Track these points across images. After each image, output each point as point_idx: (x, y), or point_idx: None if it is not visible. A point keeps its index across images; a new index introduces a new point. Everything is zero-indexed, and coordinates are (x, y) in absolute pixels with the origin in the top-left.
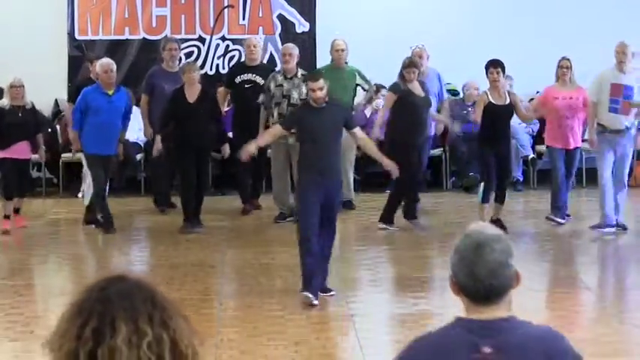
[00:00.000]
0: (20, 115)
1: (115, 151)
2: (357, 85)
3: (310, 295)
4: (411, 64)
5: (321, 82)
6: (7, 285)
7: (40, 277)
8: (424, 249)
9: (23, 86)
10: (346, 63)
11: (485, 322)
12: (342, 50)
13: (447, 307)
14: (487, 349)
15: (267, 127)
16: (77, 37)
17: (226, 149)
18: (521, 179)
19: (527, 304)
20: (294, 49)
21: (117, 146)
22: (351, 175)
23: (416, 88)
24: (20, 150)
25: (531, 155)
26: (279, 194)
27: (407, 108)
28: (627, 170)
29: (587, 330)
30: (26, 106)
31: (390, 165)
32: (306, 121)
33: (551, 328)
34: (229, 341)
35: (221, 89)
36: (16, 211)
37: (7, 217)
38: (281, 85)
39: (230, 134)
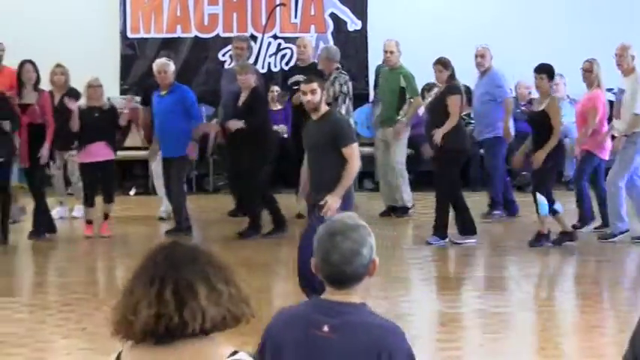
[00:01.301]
0: (97, 115)
1: (178, 153)
2: (402, 88)
3: None
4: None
5: (314, 85)
6: (60, 282)
7: (91, 275)
8: (475, 248)
9: (101, 86)
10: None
11: (333, 304)
12: (391, 52)
13: (501, 306)
14: (325, 328)
15: None
16: (129, 35)
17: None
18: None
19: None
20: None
21: (188, 147)
22: (405, 178)
23: None
24: (97, 152)
25: None
26: None
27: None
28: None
29: None
30: (104, 106)
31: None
32: (304, 131)
33: (395, 324)
34: None
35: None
36: (105, 216)
37: (89, 222)
38: None
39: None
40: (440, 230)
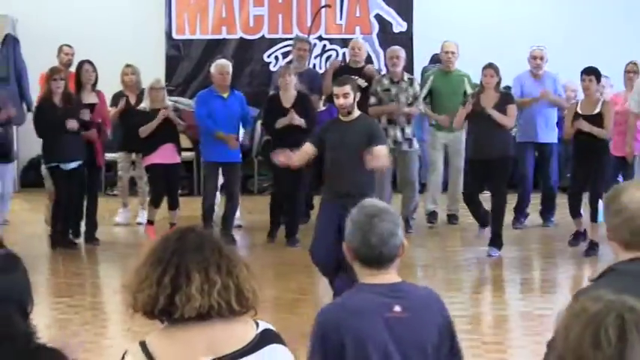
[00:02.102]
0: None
1: (239, 157)
2: (465, 92)
3: None
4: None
5: (347, 87)
6: (105, 283)
7: None
8: (523, 250)
9: (164, 88)
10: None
11: (389, 285)
12: (452, 53)
13: (546, 308)
14: (398, 308)
15: None
16: (174, 36)
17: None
18: None
19: None
20: (400, 52)
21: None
22: (459, 185)
23: None
24: (167, 154)
25: None
26: None
27: None
28: None
29: None
30: (167, 108)
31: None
32: (329, 135)
33: (429, 288)
34: None
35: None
36: (172, 225)
37: (150, 222)
38: (388, 90)
39: None
40: (499, 240)
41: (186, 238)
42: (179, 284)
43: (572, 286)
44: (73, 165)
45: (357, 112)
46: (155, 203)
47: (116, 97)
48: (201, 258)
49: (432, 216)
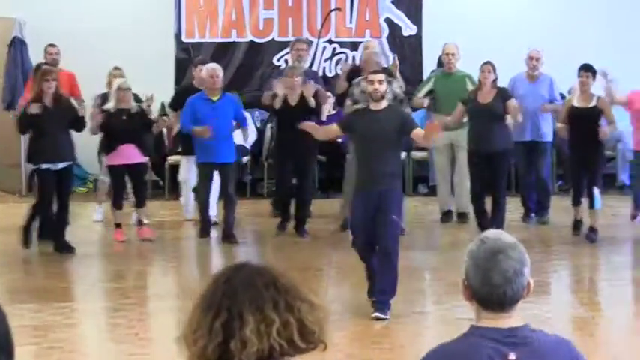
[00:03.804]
0: (125, 118)
1: (234, 158)
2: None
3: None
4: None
5: (382, 75)
6: (112, 287)
7: (144, 280)
8: (528, 252)
9: (130, 89)
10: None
11: (506, 330)
12: (453, 55)
13: (553, 310)
14: (513, 356)
15: None
16: (184, 39)
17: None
18: (627, 183)
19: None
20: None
21: (235, 153)
22: (467, 184)
23: None
24: (128, 154)
25: None
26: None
27: None
28: None
29: None
30: (132, 109)
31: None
32: (358, 124)
33: (560, 335)
34: (334, 345)
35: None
36: (139, 222)
37: (118, 225)
38: (365, 92)
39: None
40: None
41: (236, 277)
42: (232, 329)
43: (575, 288)
44: (63, 165)
45: (385, 102)
46: (116, 205)
47: (101, 98)
48: (253, 296)
49: (447, 215)
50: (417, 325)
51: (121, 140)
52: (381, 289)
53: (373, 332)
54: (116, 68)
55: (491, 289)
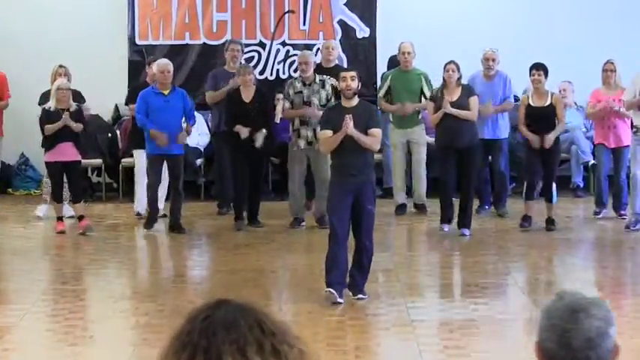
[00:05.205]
0: (64, 117)
1: (182, 150)
2: (422, 89)
3: (332, 292)
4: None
5: (354, 72)
6: (67, 289)
7: (99, 282)
8: (484, 254)
9: (69, 89)
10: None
11: None
12: (408, 53)
13: (507, 312)
14: None
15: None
16: (138, 42)
17: (259, 139)
18: (581, 185)
19: None
20: (310, 57)
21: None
22: (423, 177)
23: None
24: (65, 152)
25: (592, 161)
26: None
27: None
28: None
29: None
30: (70, 108)
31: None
32: (335, 120)
33: None
34: None
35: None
36: (80, 218)
37: (59, 218)
38: (300, 92)
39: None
40: (468, 221)
41: (215, 315)
42: None
43: (529, 289)
44: None
45: (357, 99)
46: (56, 199)
47: (44, 97)
48: (235, 336)
49: (401, 209)
50: (372, 327)
51: (59, 139)
52: (360, 273)
53: (328, 335)
54: (61, 66)
55: (571, 354)
